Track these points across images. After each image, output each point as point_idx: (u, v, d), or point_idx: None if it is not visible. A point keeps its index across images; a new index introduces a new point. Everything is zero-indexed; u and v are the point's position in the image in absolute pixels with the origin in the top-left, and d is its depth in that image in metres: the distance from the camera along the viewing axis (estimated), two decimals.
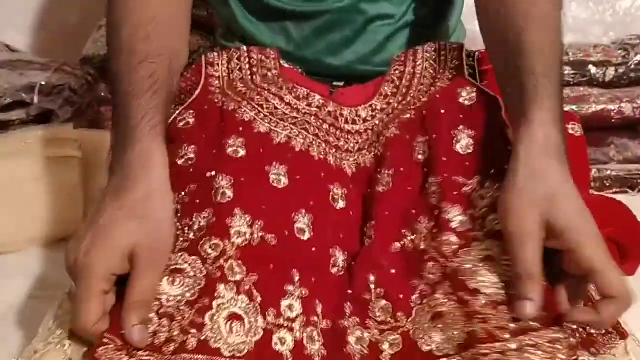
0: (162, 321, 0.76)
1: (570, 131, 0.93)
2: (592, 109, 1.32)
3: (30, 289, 0.99)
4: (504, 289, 0.76)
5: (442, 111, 0.91)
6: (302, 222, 0.84)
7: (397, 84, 1.00)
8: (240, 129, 0.90)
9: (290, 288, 0.80)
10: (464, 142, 0.88)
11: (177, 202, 0.84)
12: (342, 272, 0.83)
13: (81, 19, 1.66)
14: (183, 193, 0.85)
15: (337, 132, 0.96)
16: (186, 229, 0.82)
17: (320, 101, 0.97)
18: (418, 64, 1.00)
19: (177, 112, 0.92)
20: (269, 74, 1.00)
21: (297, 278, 0.81)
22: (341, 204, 0.88)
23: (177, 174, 0.86)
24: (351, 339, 0.78)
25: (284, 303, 0.79)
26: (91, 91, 1.41)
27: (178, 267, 0.79)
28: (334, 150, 0.94)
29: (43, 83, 1.33)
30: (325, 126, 0.95)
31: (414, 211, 0.84)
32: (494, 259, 0.79)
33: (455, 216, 0.82)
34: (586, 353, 0.75)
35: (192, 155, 0.87)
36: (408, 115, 0.94)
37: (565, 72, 1.34)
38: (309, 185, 0.88)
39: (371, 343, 0.78)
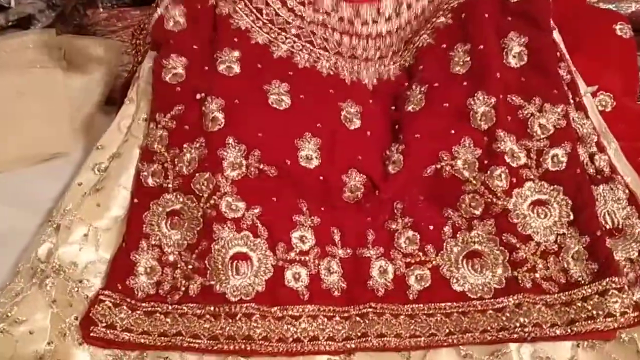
0: (165, 270, 0.70)
1: (618, 32, 0.81)
2: (631, 9, 1.17)
3: (20, 211, 0.88)
4: (555, 238, 0.68)
5: (486, 15, 0.76)
6: (308, 147, 0.72)
7: None
8: (235, 39, 0.77)
9: (299, 218, 0.71)
10: (515, 51, 0.74)
11: (164, 126, 0.74)
12: (360, 198, 0.72)
13: None
14: (169, 115, 0.74)
15: (352, 40, 0.82)
16: (176, 160, 0.73)
17: (330, 5, 0.82)
18: None
19: (164, 3, 0.79)
20: None
21: (304, 207, 0.71)
22: (356, 124, 0.75)
23: (164, 92, 0.75)
24: (374, 272, 0.68)
25: (295, 235, 0.70)
26: None
27: (175, 208, 0.72)
28: (348, 62, 0.81)
29: None
30: (337, 36, 0.82)
31: (453, 131, 0.71)
32: (547, 205, 0.69)
33: (510, 147, 0.70)
34: None
35: (180, 71, 0.76)
36: (443, 19, 0.80)
37: None
38: (315, 104, 0.75)
39: (396, 277, 0.69)
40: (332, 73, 0.78)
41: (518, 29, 0.74)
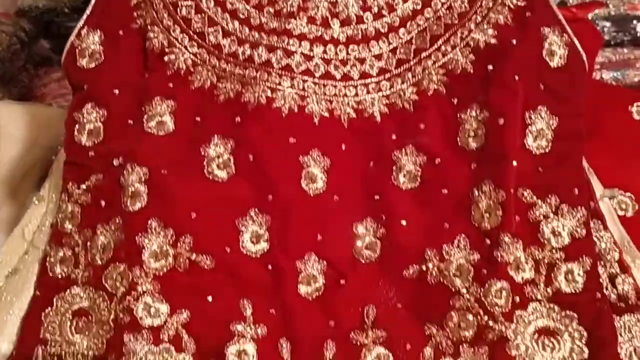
0: None
1: (636, 115, 0.68)
2: (638, 77, 1.06)
3: None
4: None
5: (517, 77, 0.60)
6: (252, 229, 0.58)
7: None
8: (170, 84, 0.62)
9: (238, 327, 0.56)
10: (540, 133, 0.59)
11: (76, 200, 0.60)
12: (321, 292, 0.57)
13: None
14: (84, 186, 0.60)
15: (328, 50, 0.63)
16: (88, 245, 0.58)
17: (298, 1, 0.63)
18: None
19: (79, 24, 0.63)
20: None
21: (249, 311, 0.57)
22: (319, 185, 0.60)
23: (76, 156, 0.61)
24: None
25: (231, 349, 0.55)
26: (25, 51, 1.14)
27: (83, 306, 0.58)
28: (319, 86, 0.62)
29: None
30: (306, 46, 0.62)
31: (447, 225, 0.58)
32: (556, 335, 0.56)
33: (515, 257, 0.56)
34: None
35: (97, 125, 0.61)
36: (461, 59, 0.61)
37: (605, 30, 1.08)
38: (267, 167, 0.60)
39: None
40: (295, 108, 0.61)
41: (550, 105, 0.60)
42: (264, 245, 0.58)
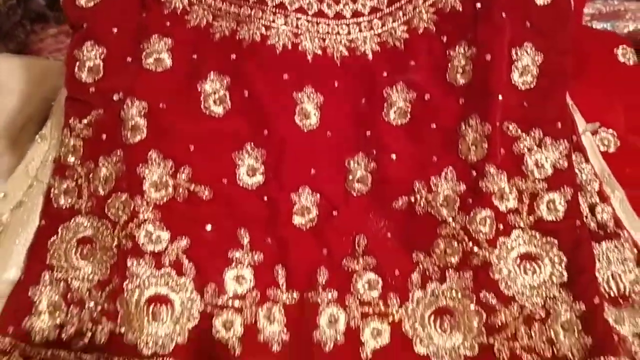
0: (70, 310, 0.58)
1: (620, 57, 0.70)
2: (628, 28, 1.07)
3: None
4: (544, 302, 0.57)
5: (504, 14, 0.62)
6: (249, 162, 0.60)
7: None
8: (167, 23, 0.63)
9: (237, 254, 0.58)
10: (526, 69, 0.61)
11: (78, 134, 0.62)
12: (315, 223, 0.60)
13: None
14: (86, 121, 0.61)
15: None
16: (91, 176, 0.60)
17: None
18: None
19: None
20: None
21: (246, 240, 0.59)
22: (313, 121, 0.62)
23: (77, 92, 0.62)
24: (322, 321, 0.56)
25: (229, 274, 0.58)
26: (20, 6, 1.14)
27: (87, 234, 0.60)
28: (312, 24, 0.64)
29: None
30: None
31: (435, 158, 0.60)
32: (537, 260, 0.58)
33: (499, 187, 0.58)
34: None
35: (97, 62, 0.62)
36: None
37: None
38: (261, 103, 0.61)
39: (348, 329, 0.56)
40: (289, 45, 0.63)
41: (536, 42, 0.61)
42: (259, 178, 0.60)
